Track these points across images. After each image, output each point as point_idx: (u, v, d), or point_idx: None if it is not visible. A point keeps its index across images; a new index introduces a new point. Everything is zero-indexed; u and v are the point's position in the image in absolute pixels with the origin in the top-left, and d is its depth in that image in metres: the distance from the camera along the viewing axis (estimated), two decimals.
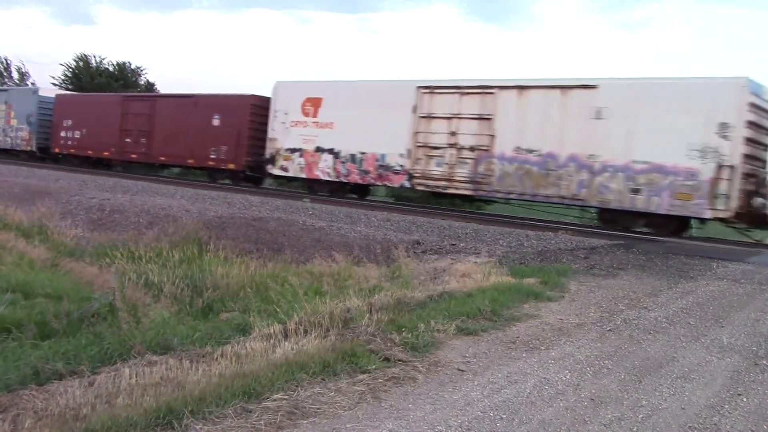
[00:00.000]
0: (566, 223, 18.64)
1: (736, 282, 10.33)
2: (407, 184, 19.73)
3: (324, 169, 21.43)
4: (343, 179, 21.09)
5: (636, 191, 15.82)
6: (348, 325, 6.10)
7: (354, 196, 22.41)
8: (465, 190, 18.69)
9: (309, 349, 5.34)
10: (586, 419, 4.32)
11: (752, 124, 14.82)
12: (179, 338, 6.18)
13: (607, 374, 5.33)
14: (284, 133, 22.28)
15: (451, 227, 15.16)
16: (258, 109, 23.55)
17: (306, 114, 21.76)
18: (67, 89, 43.93)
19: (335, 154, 21.14)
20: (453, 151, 18.68)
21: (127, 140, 27.41)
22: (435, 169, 19.05)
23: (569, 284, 9.35)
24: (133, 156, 27.46)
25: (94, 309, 7.26)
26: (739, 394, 5.01)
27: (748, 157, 14.86)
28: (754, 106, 14.82)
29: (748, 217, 15.11)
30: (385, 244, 13.43)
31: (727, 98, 14.73)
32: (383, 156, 20.02)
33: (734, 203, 14.62)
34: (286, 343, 5.62)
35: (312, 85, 22.44)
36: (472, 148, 18.33)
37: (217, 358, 5.29)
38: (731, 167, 14.57)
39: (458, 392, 4.69)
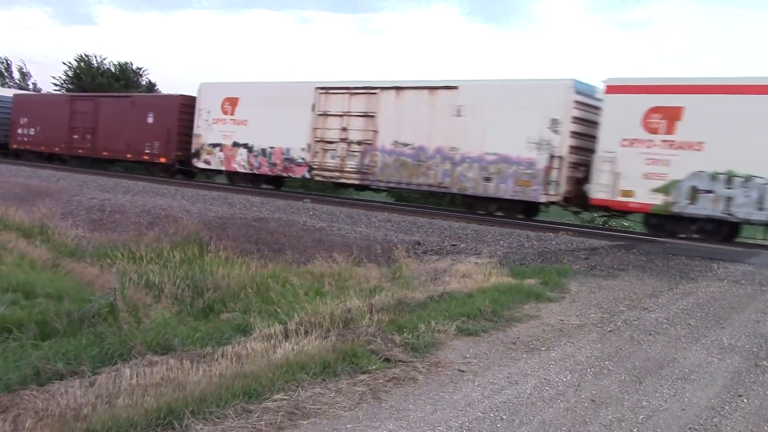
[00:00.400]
0: (567, 224, 18.65)
1: (737, 283, 10.32)
2: (308, 175, 22.08)
3: (240, 162, 23.83)
4: (255, 171, 23.49)
5: (488, 179, 18.12)
6: (348, 326, 6.11)
7: (270, 186, 24.60)
8: (354, 180, 21.08)
9: (309, 350, 5.34)
10: (587, 420, 4.32)
11: (578, 120, 16.99)
12: (180, 338, 6.19)
13: (608, 375, 5.33)
14: (207, 129, 24.68)
15: (451, 228, 15.16)
16: (186, 107, 25.69)
17: (225, 112, 24.20)
18: (68, 90, 43.98)
19: (249, 149, 23.53)
20: (344, 145, 20.99)
21: (75, 137, 29.54)
22: (329, 161, 21.38)
23: (570, 285, 9.35)
24: (80, 151, 29.69)
25: (94, 309, 7.26)
26: (740, 395, 5.01)
27: (575, 149, 17.04)
28: (580, 104, 16.97)
29: (577, 201, 17.37)
30: (386, 244, 13.43)
31: (557, 97, 16.98)
32: (288, 150, 22.42)
33: (563, 189, 16.99)
34: (287, 344, 5.62)
35: (230, 86, 24.91)
36: (359, 143, 20.62)
37: (217, 359, 5.29)
38: (560, 158, 16.90)
39: (459, 393, 4.69)
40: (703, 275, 10.86)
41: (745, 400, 4.91)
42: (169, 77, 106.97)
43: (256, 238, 14.63)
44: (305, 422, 4.00)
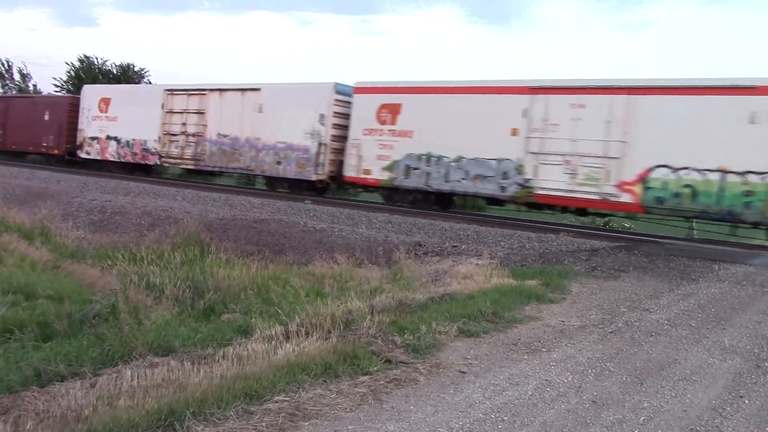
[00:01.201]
0: (568, 226, 18.65)
1: (738, 284, 10.32)
2: (159, 162, 26.86)
3: (111, 152, 28.30)
4: (122, 160, 27.82)
5: (279, 163, 22.77)
6: (349, 327, 6.10)
7: (140, 173, 28.29)
8: (190, 165, 25.94)
9: (310, 351, 5.34)
10: (588, 421, 4.32)
11: (338, 114, 21.52)
12: (181, 340, 6.18)
13: (609, 376, 5.33)
14: (88, 125, 29.01)
15: (452, 229, 15.16)
16: (73, 107, 29.92)
17: (101, 110, 28.56)
18: (68, 91, 44.05)
19: (118, 141, 28.02)
20: (184, 137, 25.60)
21: None
22: (174, 150, 26.03)
23: (571, 286, 9.35)
24: None
25: (95, 311, 7.26)
26: (741, 396, 5.01)
27: (336, 137, 21.62)
28: (339, 102, 21.49)
29: (339, 180, 21.96)
30: (387, 245, 13.43)
31: (323, 97, 21.57)
32: (145, 141, 26.89)
33: (327, 169, 21.81)
34: (288, 345, 5.62)
35: (105, 88, 31.66)
36: (194, 135, 25.27)
37: (218, 360, 5.29)
38: (325, 145, 21.60)
39: (460, 394, 4.68)
40: (704, 276, 10.86)
41: (747, 401, 4.90)
42: (170, 79, 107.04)
43: (256, 239, 14.63)
44: (306, 423, 4.00)
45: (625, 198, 16.01)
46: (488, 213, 22.26)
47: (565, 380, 5.14)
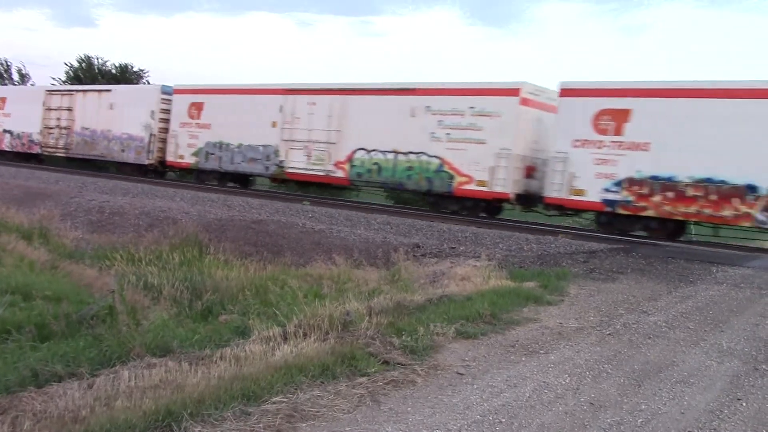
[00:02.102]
0: (566, 227, 18.66)
1: (736, 286, 10.33)
2: (40, 151, 31.83)
3: (6, 143, 33.79)
4: (15, 150, 33.07)
5: (123, 150, 28.04)
6: (347, 328, 6.10)
7: (34, 161, 32.32)
8: (63, 153, 30.91)
9: (308, 352, 5.34)
10: (586, 423, 4.32)
11: (163, 110, 26.94)
12: (178, 341, 6.18)
13: (607, 378, 5.33)
14: None
15: (450, 230, 15.16)
16: None
17: (0, 108, 34.17)
18: None
19: (11, 134, 33.55)
20: (58, 130, 30.77)
21: None
22: (51, 141, 31.20)
23: (569, 288, 9.35)
24: None
25: (93, 311, 7.25)
26: (739, 399, 5.01)
27: (162, 129, 26.94)
28: (164, 101, 26.95)
29: (163, 164, 27.30)
30: (385, 247, 13.43)
31: (153, 97, 27.25)
32: (31, 134, 32.19)
33: (155, 156, 27.05)
34: (286, 346, 5.62)
35: (5, 89, 39.25)
36: (65, 128, 30.39)
37: (216, 361, 5.29)
38: (154, 135, 26.90)
39: (457, 396, 4.68)
40: (703, 279, 10.87)
41: (744, 404, 4.91)
42: (170, 79, 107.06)
43: (255, 240, 14.63)
44: (304, 425, 4.00)
45: (339, 173, 21.59)
46: (486, 214, 22.31)
47: (563, 382, 5.14)
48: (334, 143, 21.60)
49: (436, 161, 19.47)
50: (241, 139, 24.12)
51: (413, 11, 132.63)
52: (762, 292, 10.04)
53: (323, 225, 15.52)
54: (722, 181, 15.17)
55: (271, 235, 14.85)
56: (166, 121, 26.84)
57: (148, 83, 47.27)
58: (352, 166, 21.16)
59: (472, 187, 18.84)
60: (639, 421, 4.43)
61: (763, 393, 5.21)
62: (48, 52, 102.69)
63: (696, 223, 17.21)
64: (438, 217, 18.00)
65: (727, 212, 15.17)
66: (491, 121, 18.53)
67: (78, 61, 47.27)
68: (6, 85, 50.37)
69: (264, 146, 23.45)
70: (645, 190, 16.21)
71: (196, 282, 10.39)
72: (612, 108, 16.63)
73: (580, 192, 17.04)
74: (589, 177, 16.82)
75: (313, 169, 22.20)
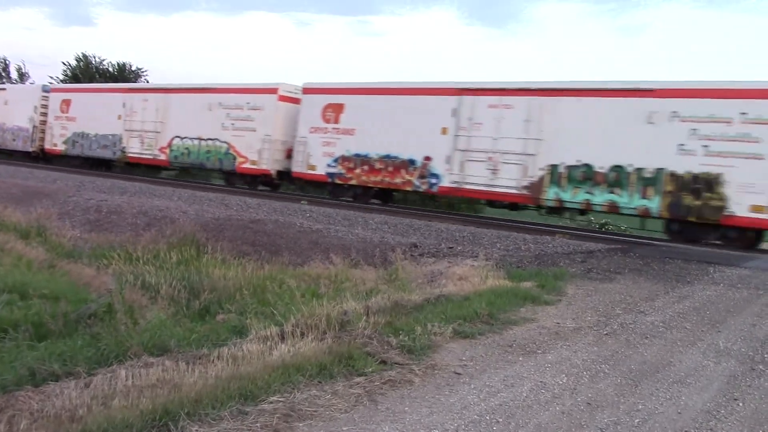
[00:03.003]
0: (564, 228, 18.69)
1: (733, 287, 10.34)
2: None
3: None
4: None
5: (14, 140, 33.15)
6: (345, 328, 6.10)
7: None
8: None
9: (306, 352, 5.33)
10: (583, 423, 4.33)
11: (43, 107, 31.93)
12: (176, 340, 6.18)
13: (604, 378, 5.34)
14: None
15: (448, 230, 15.17)
16: None
17: None
18: None
19: None
20: None
21: None
22: None
23: (566, 288, 9.35)
24: None
25: (91, 310, 7.25)
26: (736, 399, 5.02)
27: (42, 122, 31.97)
28: (44, 98, 32.01)
29: (43, 153, 32.38)
30: (383, 246, 13.43)
31: (36, 95, 32.92)
32: None
33: (37, 144, 32.22)
34: (283, 346, 5.62)
35: None
36: None
37: (213, 360, 5.28)
38: (36, 127, 32.08)
39: (455, 395, 4.69)
40: (700, 279, 10.88)
41: (741, 404, 4.92)
42: (170, 79, 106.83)
43: (252, 239, 14.62)
44: (301, 424, 4.00)
45: (162, 157, 26.92)
46: (485, 214, 22.38)
47: (560, 382, 5.15)
48: (159, 132, 27.08)
49: (225, 146, 24.81)
50: (97, 130, 29.33)
51: (411, 11, 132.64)
52: (759, 292, 10.06)
53: (321, 224, 15.51)
54: (395, 157, 20.47)
55: (268, 234, 14.84)
56: (46, 115, 32.14)
57: (147, 82, 47.30)
58: (171, 150, 26.56)
59: (248, 165, 24.23)
60: (636, 421, 4.44)
61: (760, 393, 5.22)
62: (46, 51, 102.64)
63: (384, 190, 22.03)
64: (436, 217, 18.01)
65: (398, 180, 20.52)
66: (259, 114, 23.95)
67: (76, 60, 47.32)
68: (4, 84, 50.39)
69: (112, 135, 28.77)
70: (351, 165, 21.55)
71: (194, 281, 10.39)
72: (333, 103, 22.13)
73: (313, 167, 22.35)
74: (318, 156, 22.28)
75: (145, 154, 27.64)
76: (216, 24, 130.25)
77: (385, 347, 5.59)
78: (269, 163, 23.58)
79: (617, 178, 16.46)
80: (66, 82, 46.52)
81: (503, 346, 6.12)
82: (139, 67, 50.47)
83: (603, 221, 24.00)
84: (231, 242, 14.34)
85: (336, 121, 21.85)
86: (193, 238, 14.28)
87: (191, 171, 29.93)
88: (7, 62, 53.93)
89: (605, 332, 6.91)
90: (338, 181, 21.86)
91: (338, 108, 21.91)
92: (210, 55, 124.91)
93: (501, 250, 13.12)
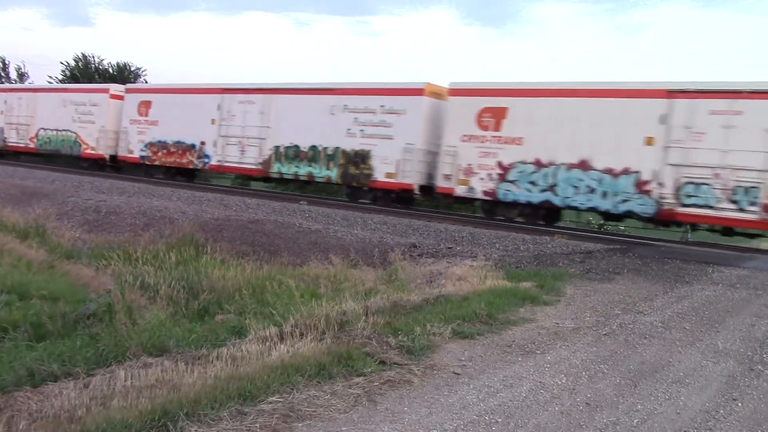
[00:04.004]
0: (563, 228, 18.70)
1: (732, 287, 10.35)
2: None
3: None
4: None
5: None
6: (344, 328, 6.10)
7: None
8: None
9: (305, 352, 5.33)
10: (582, 423, 4.33)
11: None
12: (175, 340, 6.17)
13: (603, 378, 5.34)
14: None
15: (447, 230, 15.17)
16: None
17: None
18: None
19: None
20: None
21: None
22: None
23: (565, 288, 9.35)
24: None
25: (90, 311, 7.24)
26: (735, 399, 5.03)
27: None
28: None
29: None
30: (382, 247, 13.43)
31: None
32: None
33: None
34: (282, 346, 5.61)
35: None
36: None
37: (212, 361, 5.28)
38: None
39: (454, 395, 4.69)
40: (698, 279, 10.89)
41: (740, 404, 4.92)
42: (169, 79, 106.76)
43: (251, 239, 14.61)
44: (300, 424, 4.00)
45: (32, 144, 31.64)
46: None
47: (559, 382, 5.15)
48: (29, 125, 31.94)
49: (74, 135, 29.74)
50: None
51: (410, 11, 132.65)
52: (758, 292, 10.07)
53: (320, 225, 15.51)
54: (183, 143, 25.74)
55: (268, 234, 14.83)
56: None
57: (146, 82, 47.26)
58: (38, 139, 31.56)
59: (89, 151, 29.21)
60: (635, 421, 4.44)
61: (758, 393, 5.22)
62: (45, 51, 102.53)
63: (179, 169, 26.87)
64: (435, 217, 18.00)
65: (184, 160, 25.83)
66: (96, 109, 29.08)
67: (75, 60, 47.29)
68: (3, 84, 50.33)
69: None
70: (156, 149, 26.84)
71: (193, 282, 10.38)
72: (145, 100, 27.74)
73: (131, 152, 27.50)
74: (135, 142, 27.49)
75: (20, 143, 32.38)
76: (214, 24, 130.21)
77: (384, 347, 5.59)
78: (103, 149, 28.77)
79: (313, 155, 21.86)
80: (65, 83, 46.50)
81: (502, 347, 6.12)
82: (139, 66, 50.49)
83: (602, 222, 23.96)
84: (230, 242, 14.33)
85: (146, 115, 27.42)
86: (192, 238, 14.27)
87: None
88: (7, 62, 53.92)
89: (604, 332, 6.92)
90: (147, 163, 27.24)
91: (148, 104, 27.57)
92: (208, 54, 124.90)
93: (500, 251, 13.12)
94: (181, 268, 11.31)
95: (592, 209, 17.30)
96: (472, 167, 18.56)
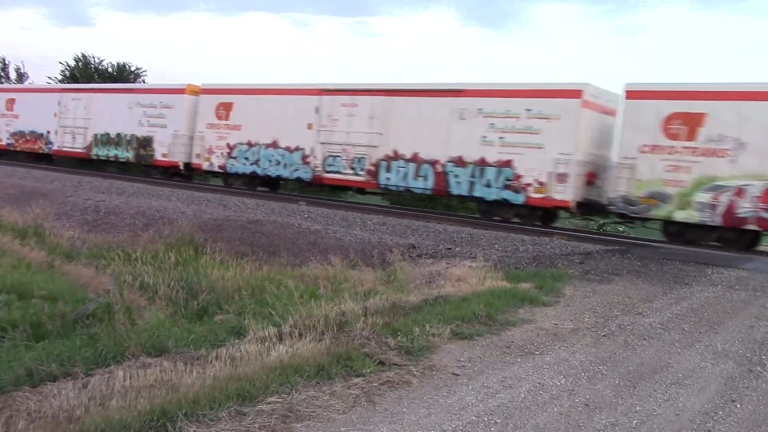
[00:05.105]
0: (562, 229, 18.70)
1: (731, 288, 10.35)
2: None
3: None
4: None
5: None
6: (343, 329, 6.10)
7: None
8: None
9: (304, 353, 5.33)
10: (581, 424, 4.33)
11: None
12: (174, 340, 6.17)
13: (602, 379, 5.34)
14: None
15: (446, 231, 15.17)
16: None
17: None
18: None
19: None
20: None
21: None
22: None
23: (564, 289, 9.36)
24: None
25: (89, 311, 7.24)
26: (733, 401, 5.03)
27: None
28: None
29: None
30: (381, 247, 13.43)
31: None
32: None
33: None
34: (281, 346, 5.61)
35: None
36: None
37: (211, 361, 5.28)
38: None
39: (453, 396, 4.69)
40: (697, 280, 10.89)
41: (739, 406, 4.92)
42: (168, 79, 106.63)
43: (251, 240, 14.61)
44: (299, 425, 4.00)
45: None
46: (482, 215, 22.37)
47: (558, 383, 5.15)
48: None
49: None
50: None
51: (409, 12, 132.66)
52: (757, 293, 10.07)
53: (319, 225, 15.51)
54: (36, 132, 31.88)
55: (267, 235, 14.83)
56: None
57: (144, 82, 47.26)
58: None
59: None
60: (634, 422, 4.44)
61: (757, 395, 5.22)
62: (44, 51, 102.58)
63: (36, 154, 32.55)
64: (434, 218, 18.01)
65: (36, 146, 31.94)
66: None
67: (75, 60, 47.26)
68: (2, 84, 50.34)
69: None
70: (18, 138, 32.88)
71: (192, 282, 10.37)
72: (11, 98, 33.80)
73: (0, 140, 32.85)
74: (3, 131, 33.49)
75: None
76: (214, 24, 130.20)
77: (384, 348, 5.59)
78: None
79: (118, 141, 28.24)
80: (64, 83, 46.52)
81: (501, 347, 6.12)
82: (139, 67, 50.50)
83: (601, 222, 23.94)
84: (229, 243, 14.32)
85: (11, 110, 33.11)
86: (191, 238, 14.26)
87: None
88: (6, 62, 53.90)
89: (603, 333, 6.92)
90: (11, 149, 32.97)
91: (12, 101, 33.43)
92: (208, 54, 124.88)
93: (499, 251, 13.12)
94: (180, 269, 11.30)
95: (279, 176, 23.65)
96: (212, 148, 24.87)
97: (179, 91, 26.51)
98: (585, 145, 17.47)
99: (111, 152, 28.64)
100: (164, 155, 26.70)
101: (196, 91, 26.03)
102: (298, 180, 22.99)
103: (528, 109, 17.81)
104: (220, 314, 8.82)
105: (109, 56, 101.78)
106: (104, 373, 5.15)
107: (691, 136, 15.64)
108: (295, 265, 12.80)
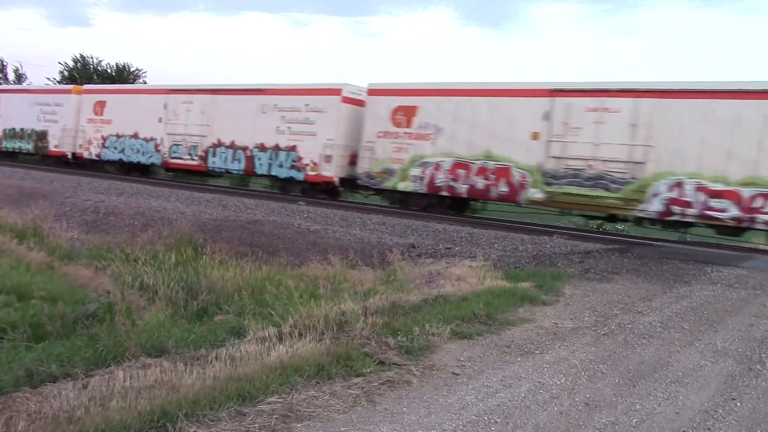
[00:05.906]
0: (562, 228, 18.72)
1: (731, 287, 10.36)
2: None
3: None
4: None
5: None
6: (343, 329, 6.10)
7: None
8: None
9: (304, 353, 5.33)
10: (581, 423, 4.33)
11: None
12: (174, 341, 6.16)
13: (602, 378, 5.34)
14: None
15: (446, 231, 15.17)
16: None
17: None
18: None
19: None
20: None
21: None
22: None
23: (564, 288, 9.36)
24: None
25: (89, 311, 7.24)
26: (733, 399, 5.03)
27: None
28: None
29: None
30: (381, 247, 13.43)
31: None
32: None
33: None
34: (281, 346, 5.61)
35: None
36: None
37: (211, 361, 5.28)
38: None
39: (453, 396, 4.69)
40: (697, 279, 10.90)
41: (739, 404, 4.92)
42: (168, 79, 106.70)
43: (250, 240, 14.61)
44: (299, 425, 4.00)
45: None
46: (483, 215, 22.35)
47: (558, 382, 5.15)
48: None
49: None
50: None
51: (408, 12, 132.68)
52: (756, 292, 10.08)
53: (319, 225, 15.51)
54: None
55: (266, 235, 14.83)
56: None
57: (144, 83, 47.27)
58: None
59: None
60: (634, 421, 4.44)
61: (757, 393, 5.23)
62: (43, 51, 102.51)
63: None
64: (434, 218, 18.02)
65: None
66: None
67: (73, 61, 47.28)
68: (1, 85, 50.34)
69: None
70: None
71: (192, 282, 10.37)
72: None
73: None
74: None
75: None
76: (213, 24, 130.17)
77: (383, 348, 5.59)
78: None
79: (23, 134, 31.96)
80: (64, 84, 46.52)
81: (501, 347, 6.13)
82: (139, 68, 50.57)
83: (600, 222, 23.92)
84: (229, 243, 14.33)
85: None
86: (191, 238, 14.26)
87: None
88: (5, 63, 53.92)
89: (603, 332, 6.92)
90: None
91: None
92: (207, 54, 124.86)
93: (499, 251, 13.13)
94: (180, 269, 11.30)
95: (139, 162, 27.39)
96: (91, 139, 29.01)
97: (67, 91, 31.71)
98: (345, 132, 21.72)
99: (17, 144, 32.76)
100: (56, 146, 30.85)
101: (81, 91, 30.87)
102: (152, 165, 27.66)
103: (306, 105, 22.28)
104: (219, 314, 8.82)
105: (108, 57, 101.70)
106: (104, 373, 5.14)
107: (408, 124, 20.12)
108: (294, 265, 12.80)
